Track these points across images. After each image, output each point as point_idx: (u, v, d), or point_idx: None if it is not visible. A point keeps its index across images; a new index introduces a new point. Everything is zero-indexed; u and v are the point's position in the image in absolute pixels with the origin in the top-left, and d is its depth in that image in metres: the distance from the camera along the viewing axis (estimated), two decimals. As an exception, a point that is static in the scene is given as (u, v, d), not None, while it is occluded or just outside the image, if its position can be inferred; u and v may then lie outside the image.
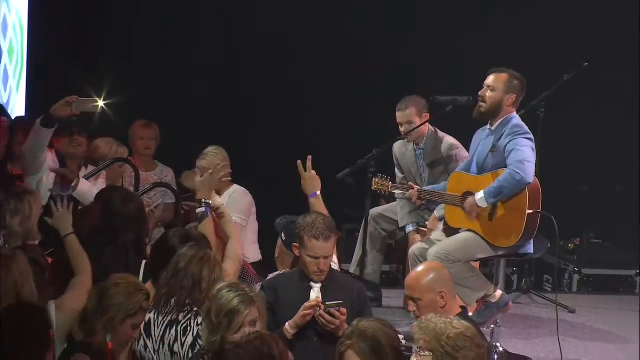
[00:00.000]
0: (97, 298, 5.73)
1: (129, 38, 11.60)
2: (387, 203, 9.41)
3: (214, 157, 8.79)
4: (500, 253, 8.33)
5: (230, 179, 8.75)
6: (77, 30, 11.40)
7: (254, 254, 8.73)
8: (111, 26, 11.51)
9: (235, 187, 8.94)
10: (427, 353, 5.23)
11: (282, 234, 7.36)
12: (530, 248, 8.40)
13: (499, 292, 8.32)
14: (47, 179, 8.24)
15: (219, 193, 8.40)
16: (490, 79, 8.33)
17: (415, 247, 8.56)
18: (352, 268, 8.94)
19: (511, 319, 8.51)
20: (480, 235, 8.26)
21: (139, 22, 11.47)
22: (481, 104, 8.30)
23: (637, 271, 11.01)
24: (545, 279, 10.64)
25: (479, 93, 8.34)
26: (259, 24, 12.31)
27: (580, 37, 11.36)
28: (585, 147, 10.61)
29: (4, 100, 10.43)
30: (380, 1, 12.53)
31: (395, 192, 8.85)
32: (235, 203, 8.65)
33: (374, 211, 8.94)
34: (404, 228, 9.21)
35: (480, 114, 8.33)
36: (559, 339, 8.22)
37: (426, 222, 9.07)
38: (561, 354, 8.12)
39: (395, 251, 9.66)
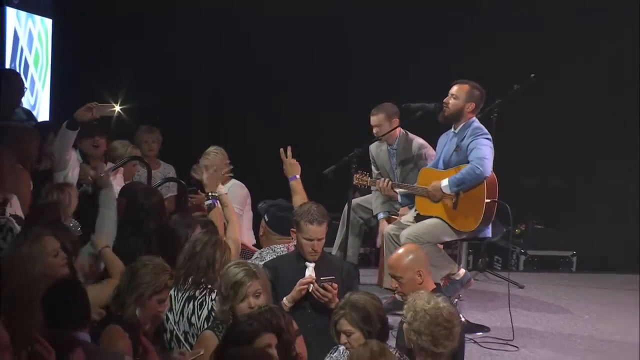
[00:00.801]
0: (128, 277, 5.76)
1: (142, 48, 11.34)
2: (362, 195, 9.47)
3: (215, 156, 8.82)
4: (463, 237, 8.42)
5: (232, 174, 8.86)
6: (96, 41, 11.19)
7: (249, 238, 8.77)
8: (126, 37, 11.29)
9: (233, 181, 8.95)
10: (406, 325, 5.35)
11: (265, 216, 7.49)
12: (488, 232, 8.51)
13: (462, 271, 8.44)
14: (72, 174, 8.16)
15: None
16: (454, 89, 8.42)
17: (390, 228, 8.61)
18: (334, 251, 8.98)
19: (470, 293, 8.64)
20: (445, 222, 8.32)
21: (151, 34, 11.27)
22: (445, 109, 8.40)
23: (574, 252, 11.17)
24: (495, 259, 10.78)
25: (444, 100, 8.43)
26: (253, 30, 11.95)
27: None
28: (528, 146, 10.69)
29: (31, 103, 10.38)
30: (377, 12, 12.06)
31: (372, 183, 8.87)
32: (233, 195, 8.51)
33: (353, 202, 8.94)
34: (377, 216, 9.28)
35: (444, 118, 8.44)
36: (510, 310, 8.38)
37: (398, 211, 9.07)
38: (512, 323, 8.30)
39: (370, 236, 9.71)
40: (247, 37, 11.95)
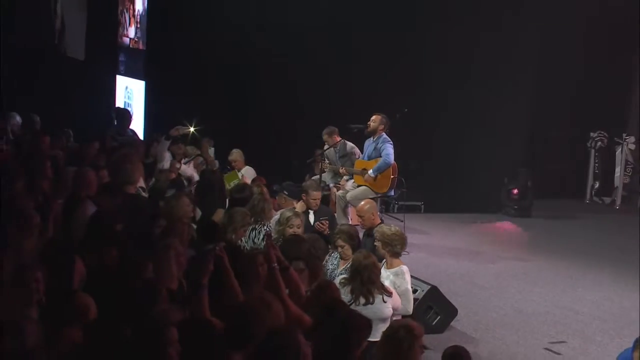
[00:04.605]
0: (227, 218, 5.86)
1: (208, 88, 10.46)
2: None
3: (236, 154, 8.89)
4: (379, 196, 8.61)
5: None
6: (173, 91, 10.31)
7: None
8: (192, 85, 10.38)
9: (247, 167, 8.92)
10: (378, 243, 5.62)
11: (284, 191, 7.46)
12: (392, 193, 8.83)
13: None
14: (167, 165, 8.19)
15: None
16: (372, 118, 8.66)
17: (340, 192, 8.69)
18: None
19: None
20: (370, 188, 8.55)
21: (217, 75, 10.50)
22: (368, 128, 8.70)
23: (422, 202, 11.09)
24: (381, 207, 10.74)
25: (368, 122, 8.66)
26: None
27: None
28: (403, 147, 9.53)
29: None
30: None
31: (327, 168, 9.08)
32: (250, 172, 8.73)
33: (316, 177, 8.94)
34: (328, 185, 9.17)
35: (368, 133, 8.74)
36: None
37: (340, 183, 9.09)
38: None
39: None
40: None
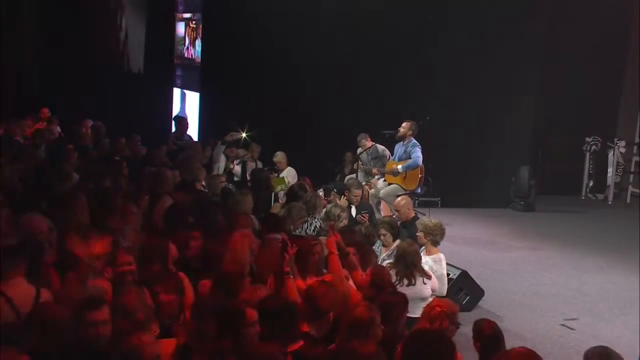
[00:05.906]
0: (286, 211, 5.98)
1: (256, 98, 10.25)
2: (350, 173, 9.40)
3: (280, 156, 8.82)
4: (408, 192, 8.39)
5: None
6: (225, 102, 10.26)
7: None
8: (242, 100, 10.22)
9: (289, 167, 8.86)
10: (421, 233, 5.66)
11: (334, 189, 7.42)
12: (419, 190, 8.78)
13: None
14: (221, 165, 8.39)
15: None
16: (403, 124, 8.62)
17: (372, 190, 8.68)
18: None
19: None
20: (400, 185, 8.56)
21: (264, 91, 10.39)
22: (399, 133, 8.70)
23: (439, 198, 10.62)
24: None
25: (399, 128, 8.66)
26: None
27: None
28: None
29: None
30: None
31: (360, 169, 9.08)
32: (292, 173, 8.72)
33: (351, 176, 8.92)
34: (361, 183, 9.03)
35: (399, 138, 8.73)
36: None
37: (371, 181, 9.00)
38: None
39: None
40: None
